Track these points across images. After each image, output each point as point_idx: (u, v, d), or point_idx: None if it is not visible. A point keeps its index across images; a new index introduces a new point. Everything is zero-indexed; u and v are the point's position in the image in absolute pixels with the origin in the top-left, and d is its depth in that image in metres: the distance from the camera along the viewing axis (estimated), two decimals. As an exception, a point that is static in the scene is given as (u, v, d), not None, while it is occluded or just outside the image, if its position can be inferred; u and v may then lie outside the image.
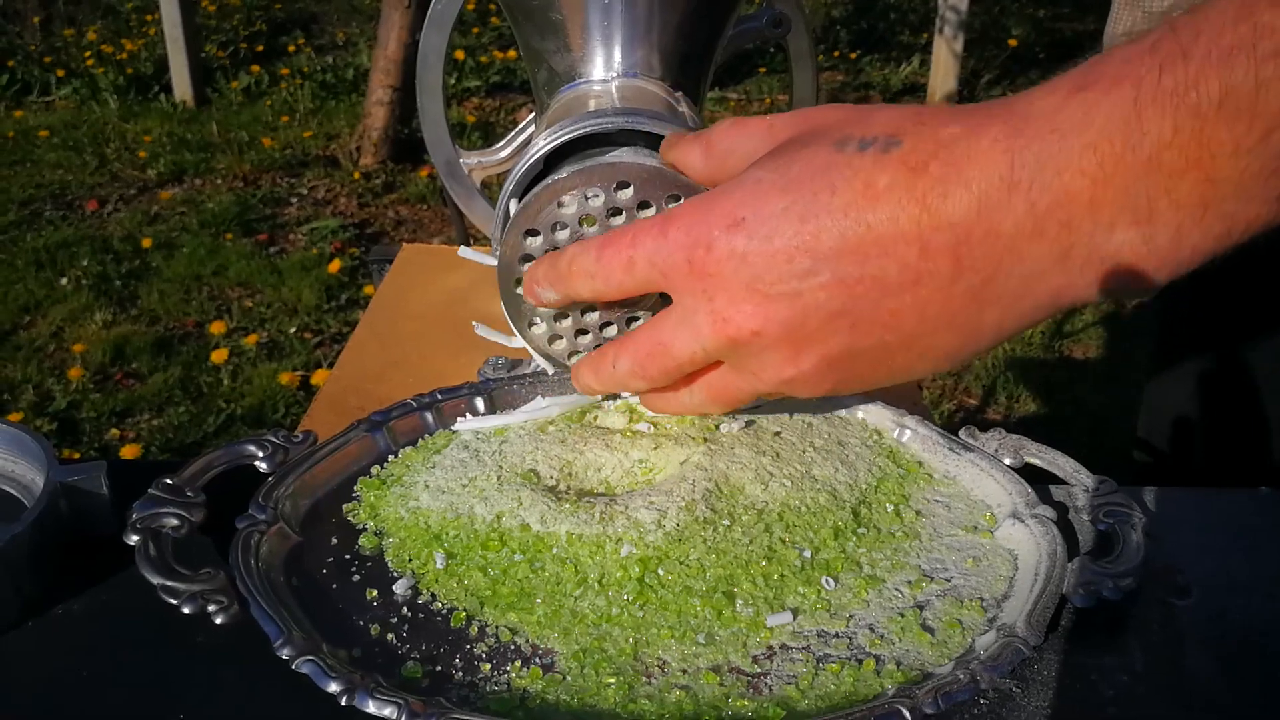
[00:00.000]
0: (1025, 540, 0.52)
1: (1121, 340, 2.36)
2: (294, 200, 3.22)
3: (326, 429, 0.59)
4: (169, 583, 0.46)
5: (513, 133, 0.81)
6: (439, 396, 0.63)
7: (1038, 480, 0.56)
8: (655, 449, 0.56)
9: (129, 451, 1.98)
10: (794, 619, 0.47)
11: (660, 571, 0.49)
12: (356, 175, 3.33)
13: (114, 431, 2.06)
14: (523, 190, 0.54)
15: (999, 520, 0.54)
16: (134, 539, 0.48)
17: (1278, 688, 0.46)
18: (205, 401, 2.16)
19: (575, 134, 0.52)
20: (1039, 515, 0.53)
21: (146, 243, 2.83)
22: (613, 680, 0.44)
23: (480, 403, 0.63)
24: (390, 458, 0.59)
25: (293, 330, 2.44)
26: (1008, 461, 0.58)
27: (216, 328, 2.40)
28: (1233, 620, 0.50)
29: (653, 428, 0.58)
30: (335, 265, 2.69)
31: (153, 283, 2.65)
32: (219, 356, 2.27)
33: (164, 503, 0.50)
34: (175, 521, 0.50)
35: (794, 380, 0.44)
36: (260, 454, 0.56)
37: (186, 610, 0.45)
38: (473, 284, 0.87)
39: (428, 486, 0.55)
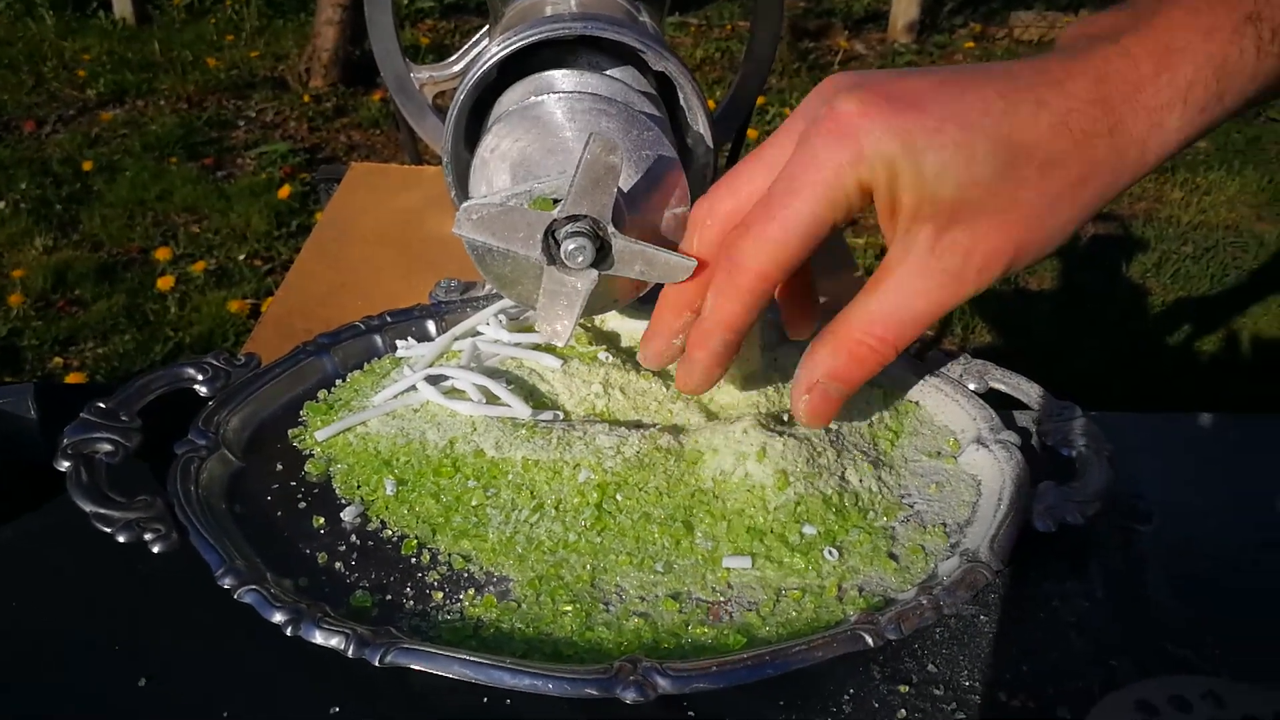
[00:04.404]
0: (989, 465, 0.51)
1: (1077, 272, 2.38)
2: (241, 123, 3.12)
3: (271, 352, 0.57)
4: (103, 510, 0.43)
5: (466, 45, 0.77)
6: (389, 319, 0.61)
7: (1002, 406, 0.55)
8: (617, 369, 0.55)
9: (73, 380, 1.92)
10: (752, 564, 0.45)
11: (619, 497, 0.47)
12: (306, 98, 3.23)
13: (57, 360, 2.01)
14: (473, 99, 0.51)
15: (963, 445, 0.53)
16: (65, 465, 0.46)
17: (1236, 613, 0.46)
18: (151, 330, 2.10)
19: (530, 40, 0.49)
20: (1003, 440, 0.52)
21: (87, 165, 2.74)
22: (569, 608, 0.43)
23: (431, 325, 0.61)
24: (338, 381, 0.57)
25: (242, 257, 2.37)
26: (972, 387, 0.57)
27: (162, 254, 2.33)
28: (1193, 546, 0.50)
29: (610, 356, 0.57)
30: (285, 191, 2.62)
31: (94, 207, 2.56)
32: (165, 284, 2.21)
33: (97, 427, 0.48)
34: (109, 447, 0.47)
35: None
36: (200, 377, 0.54)
37: (122, 539, 0.43)
38: (426, 203, 0.84)
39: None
